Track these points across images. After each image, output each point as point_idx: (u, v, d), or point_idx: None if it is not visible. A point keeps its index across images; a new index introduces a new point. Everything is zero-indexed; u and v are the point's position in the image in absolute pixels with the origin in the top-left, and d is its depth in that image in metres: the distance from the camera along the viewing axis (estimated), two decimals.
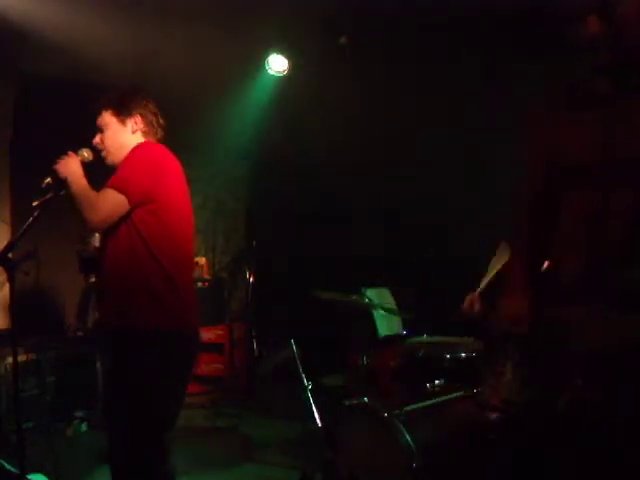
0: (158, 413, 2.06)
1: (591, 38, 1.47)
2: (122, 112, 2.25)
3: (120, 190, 2.03)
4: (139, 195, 2.05)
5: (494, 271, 2.73)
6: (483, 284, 2.73)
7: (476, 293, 2.68)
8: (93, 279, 2.38)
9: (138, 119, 2.27)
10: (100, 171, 2.21)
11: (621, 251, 1.43)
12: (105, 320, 2.14)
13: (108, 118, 2.26)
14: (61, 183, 2.11)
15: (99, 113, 2.27)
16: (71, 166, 2.13)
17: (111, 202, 2.02)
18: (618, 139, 1.46)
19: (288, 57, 4.91)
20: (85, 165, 2.19)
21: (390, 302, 3.90)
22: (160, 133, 2.33)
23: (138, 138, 2.26)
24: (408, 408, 2.57)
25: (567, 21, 1.54)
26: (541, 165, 1.65)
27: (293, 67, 4.94)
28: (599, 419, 1.41)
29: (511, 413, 1.65)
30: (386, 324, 3.92)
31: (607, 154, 1.47)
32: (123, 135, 2.25)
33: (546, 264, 1.70)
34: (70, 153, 2.17)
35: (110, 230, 2.08)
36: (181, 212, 2.23)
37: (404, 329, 4.01)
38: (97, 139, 2.28)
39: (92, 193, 2.06)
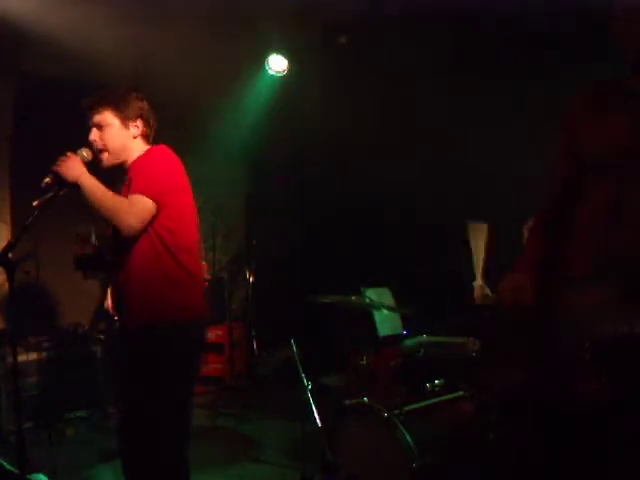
0: (186, 398, 2.23)
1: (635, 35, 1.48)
2: (125, 115, 2.26)
3: (149, 196, 2.11)
4: (162, 201, 2.14)
5: (481, 257, 2.74)
6: (479, 274, 2.74)
7: (480, 282, 2.70)
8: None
9: (140, 123, 2.29)
10: (99, 172, 2.21)
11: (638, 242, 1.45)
12: (135, 319, 2.19)
13: (110, 118, 2.25)
14: (62, 184, 2.11)
15: (97, 110, 2.24)
16: (77, 169, 2.11)
17: (144, 207, 2.10)
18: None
19: (288, 57, 4.91)
20: (85, 165, 2.19)
21: (390, 302, 3.90)
22: (153, 134, 2.37)
23: (138, 141, 2.29)
24: (408, 408, 2.57)
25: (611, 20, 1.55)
26: (571, 158, 1.68)
27: (293, 67, 4.94)
28: (607, 407, 1.41)
29: (514, 399, 1.65)
30: (386, 324, 3.91)
31: (637, 149, 1.49)
32: (125, 138, 2.27)
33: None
34: (69, 154, 2.14)
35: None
36: (192, 212, 2.32)
37: (404, 329, 4.01)
38: (94, 136, 2.24)
39: (121, 199, 2.12)
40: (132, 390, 2.20)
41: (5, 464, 2.87)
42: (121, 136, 2.26)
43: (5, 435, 3.68)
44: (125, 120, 2.26)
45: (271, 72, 4.95)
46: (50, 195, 2.13)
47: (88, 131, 2.27)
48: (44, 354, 4.14)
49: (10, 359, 3.76)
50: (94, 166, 2.24)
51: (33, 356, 3.98)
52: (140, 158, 2.25)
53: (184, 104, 4.69)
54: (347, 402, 2.74)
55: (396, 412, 2.51)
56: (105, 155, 2.25)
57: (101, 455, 3.68)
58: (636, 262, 1.43)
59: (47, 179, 2.13)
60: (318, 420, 3.02)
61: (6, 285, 2.11)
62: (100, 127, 2.25)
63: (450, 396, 2.74)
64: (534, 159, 2.55)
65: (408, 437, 2.39)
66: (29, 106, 4.40)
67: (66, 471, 2.98)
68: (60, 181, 2.10)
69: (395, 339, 3.73)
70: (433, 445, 2.44)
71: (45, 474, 2.88)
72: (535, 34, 3.68)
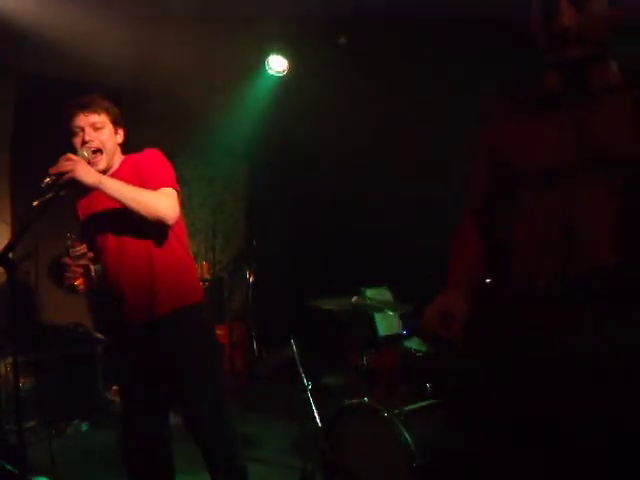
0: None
1: (563, 30, 1.37)
2: (118, 121, 2.36)
3: (173, 187, 2.26)
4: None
5: None
6: None
7: None
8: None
9: (121, 131, 2.39)
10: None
11: (591, 253, 1.37)
12: (163, 306, 2.25)
13: (106, 121, 2.30)
14: (66, 187, 2.11)
15: (96, 111, 2.27)
16: (93, 170, 2.14)
17: (175, 198, 2.25)
18: (586, 140, 1.40)
19: (288, 57, 4.91)
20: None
21: (390, 302, 3.90)
22: None
23: (118, 148, 2.39)
24: (408, 408, 2.57)
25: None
26: (492, 168, 1.58)
27: (293, 67, 4.94)
28: (574, 423, 1.34)
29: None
30: (386, 324, 3.91)
31: (578, 156, 1.41)
32: (115, 142, 2.36)
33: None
34: (72, 156, 2.12)
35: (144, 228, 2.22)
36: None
37: (404, 329, 4.01)
38: (90, 136, 2.26)
39: (148, 191, 2.19)
40: (184, 371, 2.27)
41: (5, 464, 2.87)
42: (113, 140, 2.34)
43: (5, 435, 3.68)
44: (116, 126, 2.35)
45: (271, 72, 4.95)
46: (50, 195, 2.13)
47: (73, 132, 2.28)
48: (44, 354, 4.14)
49: (10, 359, 3.77)
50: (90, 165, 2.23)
51: (33, 356, 3.97)
52: (137, 158, 2.34)
53: (184, 104, 4.69)
54: (347, 402, 2.74)
55: (396, 412, 2.51)
56: (101, 157, 2.28)
57: (101, 455, 3.68)
58: (587, 278, 1.36)
59: (48, 179, 2.13)
60: (318, 420, 3.03)
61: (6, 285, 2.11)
62: (97, 128, 2.28)
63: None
64: None
65: (408, 437, 2.39)
66: (29, 106, 4.40)
67: (66, 471, 2.98)
68: (69, 185, 2.10)
69: (395, 339, 3.73)
70: (433, 445, 2.44)
71: (45, 474, 2.88)
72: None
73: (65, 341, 4.33)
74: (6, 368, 3.91)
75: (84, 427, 4.21)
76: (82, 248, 2.26)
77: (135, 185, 2.18)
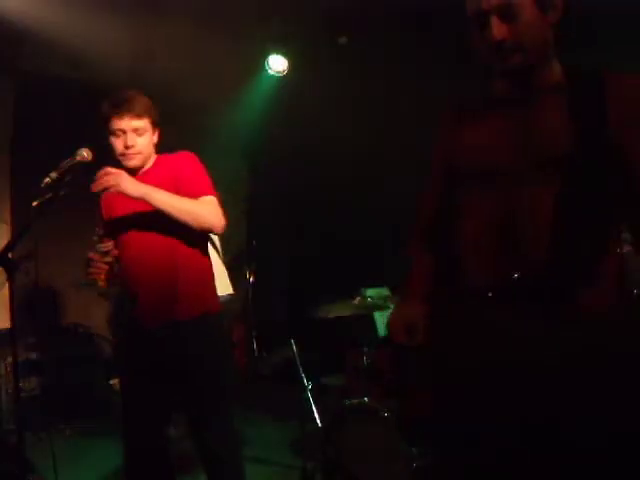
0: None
1: (497, 43, 1.40)
2: (156, 122, 2.36)
3: (214, 195, 2.32)
4: None
5: None
6: None
7: None
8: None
9: (158, 130, 2.39)
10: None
11: (535, 255, 1.36)
12: (188, 311, 2.27)
13: (147, 125, 2.31)
14: (66, 185, 2.12)
15: (139, 116, 2.27)
16: (133, 182, 2.16)
17: (218, 205, 2.30)
18: (528, 140, 1.42)
19: (288, 57, 4.91)
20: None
21: (391, 298, 3.90)
22: None
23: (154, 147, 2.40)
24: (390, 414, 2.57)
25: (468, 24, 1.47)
26: (444, 168, 1.60)
27: (293, 67, 4.94)
28: (530, 435, 1.33)
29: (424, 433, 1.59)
30: (386, 324, 3.91)
31: (519, 157, 1.42)
32: (152, 145, 2.37)
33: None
34: (109, 169, 2.13)
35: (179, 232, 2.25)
36: None
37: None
38: (132, 141, 2.26)
39: (196, 202, 2.23)
40: (197, 375, 2.29)
41: (5, 464, 2.87)
42: (151, 142, 2.35)
43: (5, 435, 3.68)
44: (155, 128, 2.36)
45: (271, 72, 4.95)
46: (50, 195, 2.13)
47: (114, 133, 2.27)
48: (44, 354, 4.14)
49: (10, 359, 3.77)
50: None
51: (33, 356, 3.97)
52: (172, 161, 2.36)
53: (184, 104, 4.69)
54: (347, 402, 2.74)
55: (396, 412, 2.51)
56: (137, 158, 2.30)
57: (101, 455, 3.68)
58: (527, 278, 1.36)
59: (48, 179, 2.13)
60: (318, 420, 3.03)
61: (6, 285, 2.11)
62: (139, 133, 2.28)
63: None
64: None
65: None
66: (29, 106, 4.40)
67: (66, 471, 2.98)
68: (70, 184, 2.14)
69: None
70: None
71: (45, 474, 2.88)
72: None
73: (65, 341, 4.33)
74: (6, 368, 3.91)
75: (84, 427, 4.21)
76: (109, 245, 2.26)
77: (169, 187, 2.21)
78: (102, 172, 2.12)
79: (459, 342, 1.46)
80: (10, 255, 2.11)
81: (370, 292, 3.48)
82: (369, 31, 4.38)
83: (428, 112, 4.25)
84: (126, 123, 2.25)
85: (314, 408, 3.08)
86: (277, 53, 4.89)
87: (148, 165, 2.39)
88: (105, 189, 2.11)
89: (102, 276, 2.26)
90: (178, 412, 2.52)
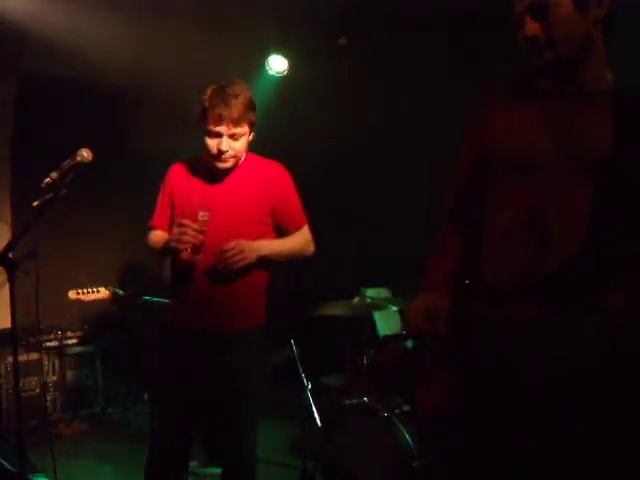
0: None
1: (532, 38, 1.44)
2: (254, 125, 2.36)
3: (306, 223, 2.47)
4: None
5: None
6: None
7: None
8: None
9: (253, 131, 2.39)
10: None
11: (566, 252, 1.38)
12: (236, 325, 2.30)
13: (247, 129, 2.30)
14: (66, 185, 2.12)
15: (241, 125, 2.25)
16: (253, 248, 2.22)
17: (309, 233, 2.48)
18: (567, 139, 1.43)
19: (288, 57, 4.91)
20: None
21: (390, 299, 3.90)
22: None
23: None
24: (408, 408, 2.57)
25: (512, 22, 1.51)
26: (477, 154, 1.61)
27: (293, 67, 4.94)
28: (544, 423, 1.35)
29: (443, 422, 1.59)
30: (386, 324, 3.91)
31: (558, 151, 1.43)
32: (247, 145, 2.37)
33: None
34: (239, 248, 2.18)
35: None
36: None
37: (404, 329, 4.00)
38: (227, 146, 2.23)
39: (289, 240, 2.39)
40: (240, 389, 2.33)
41: (5, 464, 2.87)
42: (246, 144, 2.35)
43: (5, 435, 3.68)
44: (251, 129, 2.35)
45: (271, 72, 4.95)
46: (50, 195, 2.13)
47: (210, 133, 2.25)
48: (44, 354, 4.14)
49: (10, 359, 3.76)
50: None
51: (33, 356, 3.97)
52: (270, 174, 2.43)
53: (184, 104, 4.69)
54: (347, 402, 2.74)
55: (396, 412, 2.51)
56: (231, 161, 2.29)
57: (101, 455, 3.69)
58: (562, 273, 1.36)
59: (48, 179, 2.13)
60: (318, 420, 3.03)
61: (6, 285, 2.11)
62: (236, 138, 2.26)
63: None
64: None
65: (408, 437, 2.39)
66: (29, 106, 4.40)
67: (66, 471, 2.98)
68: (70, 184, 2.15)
69: (395, 339, 3.72)
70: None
71: (45, 474, 2.88)
72: None
73: (65, 341, 4.33)
74: (6, 368, 3.91)
75: (84, 427, 4.21)
76: (207, 218, 2.19)
77: (261, 199, 2.30)
78: (227, 249, 2.15)
79: (485, 335, 1.46)
80: (10, 255, 2.12)
81: (370, 292, 3.48)
82: (369, 31, 4.37)
83: (428, 112, 4.27)
84: (225, 129, 2.22)
85: (314, 408, 3.08)
86: (277, 53, 4.89)
87: (239, 162, 2.38)
88: (240, 266, 2.18)
89: (189, 247, 2.16)
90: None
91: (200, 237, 2.15)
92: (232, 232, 2.23)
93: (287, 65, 4.92)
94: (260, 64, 4.91)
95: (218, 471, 2.90)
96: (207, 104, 2.23)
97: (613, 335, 1.32)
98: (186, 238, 2.15)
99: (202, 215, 2.18)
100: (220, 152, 2.23)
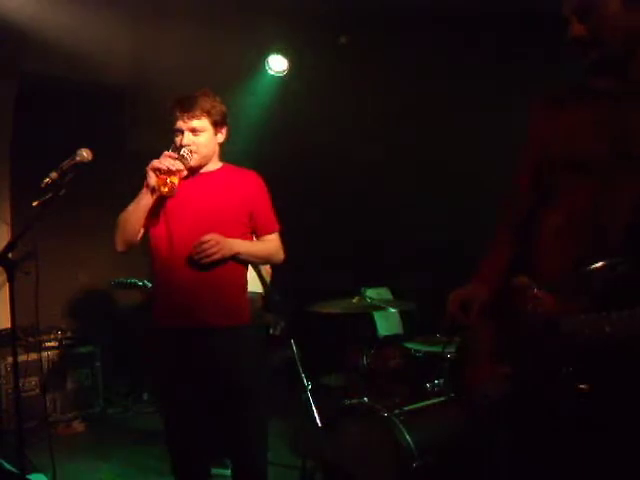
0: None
1: (577, 38, 1.46)
2: (219, 122, 2.39)
3: (278, 229, 2.52)
4: None
5: None
6: None
7: None
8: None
9: (224, 130, 2.44)
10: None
11: (616, 248, 1.39)
12: (223, 320, 2.30)
13: (207, 124, 2.34)
14: (66, 185, 2.12)
15: (197, 117, 2.30)
16: (229, 244, 2.26)
17: (279, 240, 2.51)
18: (618, 135, 1.44)
19: (288, 57, 4.90)
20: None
21: (390, 302, 3.90)
22: None
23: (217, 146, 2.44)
24: (408, 408, 2.57)
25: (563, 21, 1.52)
26: (537, 157, 1.62)
27: (293, 67, 4.94)
28: (589, 411, 1.37)
29: (489, 408, 1.60)
30: (386, 324, 3.92)
31: (611, 149, 1.44)
32: (214, 144, 2.41)
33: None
34: (214, 240, 2.22)
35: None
36: None
37: (404, 329, 4.01)
38: (188, 140, 2.29)
39: (266, 245, 2.45)
40: (232, 381, 2.32)
41: (5, 464, 2.87)
42: (212, 142, 2.39)
43: (5, 435, 3.68)
44: (216, 127, 2.38)
45: (271, 72, 4.95)
46: (50, 195, 2.13)
47: (175, 132, 2.31)
48: (44, 354, 4.14)
49: (10, 359, 3.76)
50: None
51: (33, 356, 3.97)
52: (246, 182, 2.46)
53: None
54: (347, 402, 2.74)
55: (396, 412, 2.51)
56: (194, 157, 2.32)
57: (101, 455, 3.68)
58: (612, 267, 1.37)
59: (47, 179, 2.13)
60: (318, 420, 3.03)
61: (6, 285, 2.11)
62: (196, 133, 2.31)
63: (450, 396, 2.74)
64: None
65: (408, 437, 2.39)
66: (29, 106, 4.40)
67: (66, 471, 2.99)
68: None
69: (395, 339, 3.73)
70: (433, 445, 2.44)
71: (45, 474, 2.88)
72: (535, 34, 3.67)
73: (65, 341, 4.33)
74: (6, 368, 3.91)
75: (84, 427, 4.21)
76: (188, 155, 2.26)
77: (238, 206, 2.35)
78: (205, 243, 2.20)
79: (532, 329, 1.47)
80: (10, 255, 2.12)
81: (370, 292, 3.48)
82: (369, 31, 4.37)
83: (428, 112, 4.27)
84: (183, 124, 2.30)
85: (314, 408, 3.07)
86: (277, 53, 4.89)
87: (211, 167, 2.43)
88: (212, 256, 2.21)
89: (166, 183, 2.20)
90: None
91: (178, 164, 2.22)
92: (213, 230, 2.28)
93: (287, 65, 4.92)
94: (260, 64, 4.91)
95: (224, 472, 2.92)
96: (169, 109, 2.34)
97: None
98: (163, 161, 2.20)
99: (185, 150, 2.26)
100: (182, 146, 2.28)
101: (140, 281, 3.90)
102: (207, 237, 2.21)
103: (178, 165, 2.21)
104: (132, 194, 2.34)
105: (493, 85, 4.02)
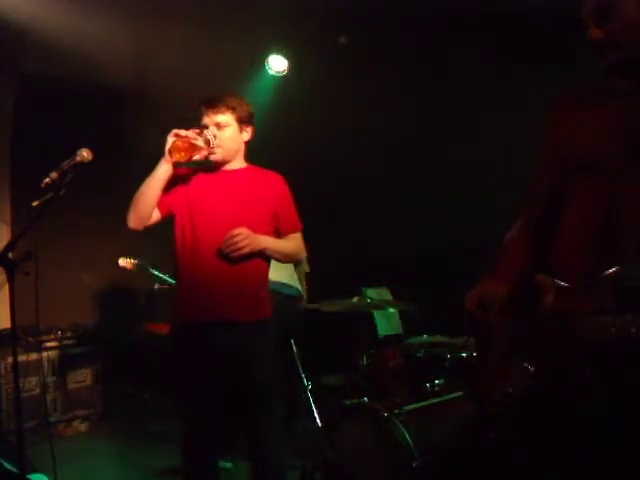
0: None
1: (594, 41, 1.48)
2: (244, 120, 2.44)
3: (301, 229, 2.58)
4: None
5: None
6: None
7: None
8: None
9: (250, 129, 2.48)
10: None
11: (632, 249, 1.39)
12: (249, 314, 2.34)
13: (231, 120, 2.39)
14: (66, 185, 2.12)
15: (221, 111, 2.36)
16: (257, 239, 2.31)
17: (301, 239, 2.56)
18: (631, 136, 1.44)
19: (288, 57, 4.90)
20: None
21: (390, 301, 3.90)
22: None
23: (243, 147, 2.49)
24: (408, 408, 2.57)
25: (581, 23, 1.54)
26: (555, 161, 1.63)
27: (293, 67, 4.94)
28: (608, 409, 1.37)
29: (509, 406, 1.60)
30: (386, 324, 3.92)
31: (626, 150, 1.45)
32: (239, 141, 2.45)
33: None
34: (244, 234, 2.26)
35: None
36: None
37: (404, 329, 4.01)
38: (210, 134, 2.34)
39: (286, 241, 2.49)
40: (254, 373, 2.35)
41: (5, 464, 2.87)
42: (237, 139, 2.44)
43: (5, 435, 3.68)
44: (241, 124, 2.43)
45: (271, 72, 4.95)
46: (50, 196, 2.13)
47: (200, 126, 2.38)
48: (44, 354, 4.14)
49: (10, 359, 3.76)
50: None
51: (33, 356, 3.97)
52: (272, 183, 2.52)
53: (184, 104, 4.68)
54: (347, 402, 2.74)
55: (396, 412, 2.51)
56: (219, 150, 2.38)
57: (101, 455, 3.69)
58: (631, 266, 1.37)
59: (47, 179, 2.13)
60: (318, 420, 3.03)
61: (6, 285, 2.11)
62: (220, 127, 2.37)
63: (450, 396, 2.74)
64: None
65: (408, 437, 2.39)
66: (29, 106, 4.40)
67: (66, 471, 2.98)
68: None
69: (395, 339, 3.73)
70: (433, 445, 2.44)
71: (45, 474, 2.88)
72: (534, 34, 3.68)
73: (65, 341, 4.33)
74: (6, 368, 3.91)
75: (84, 427, 4.21)
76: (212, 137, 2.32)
77: (264, 207, 2.41)
78: (238, 237, 2.23)
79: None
80: (10, 255, 2.12)
81: (370, 292, 3.48)
82: (369, 31, 4.37)
83: (428, 112, 4.27)
84: (208, 118, 2.37)
85: (314, 408, 3.08)
86: (277, 53, 4.89)
87: (236, 165, 2.47)
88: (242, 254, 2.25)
89: (182, 150, 2.25)
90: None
91: (199, 140, 2.29)
92: (239, 226, 2.31)
93: (287, 65, 4.92)
94: (260, 64, 4.92)
95: (224, 464, 2.92)
96: (197, 110, 2.42)
97: None
98: (186, 132, 2.28)
99: (209, 133, 2.33)
100: (207, 140, 2.35)
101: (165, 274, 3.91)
102: (237, 231, 2.24)
103: (199, 141, 2.27)
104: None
105: (493, 85, 4.02)
